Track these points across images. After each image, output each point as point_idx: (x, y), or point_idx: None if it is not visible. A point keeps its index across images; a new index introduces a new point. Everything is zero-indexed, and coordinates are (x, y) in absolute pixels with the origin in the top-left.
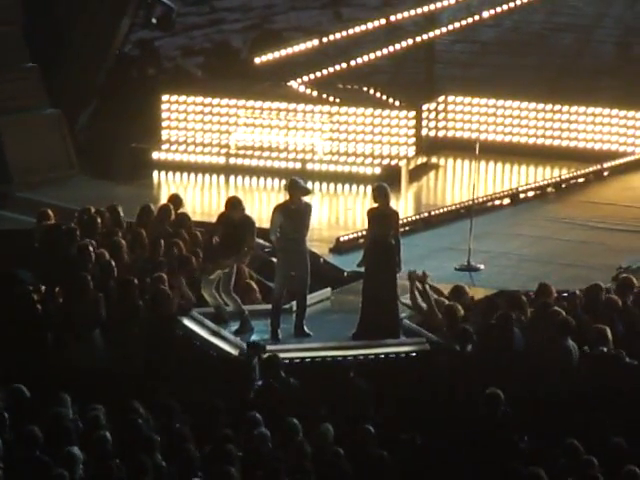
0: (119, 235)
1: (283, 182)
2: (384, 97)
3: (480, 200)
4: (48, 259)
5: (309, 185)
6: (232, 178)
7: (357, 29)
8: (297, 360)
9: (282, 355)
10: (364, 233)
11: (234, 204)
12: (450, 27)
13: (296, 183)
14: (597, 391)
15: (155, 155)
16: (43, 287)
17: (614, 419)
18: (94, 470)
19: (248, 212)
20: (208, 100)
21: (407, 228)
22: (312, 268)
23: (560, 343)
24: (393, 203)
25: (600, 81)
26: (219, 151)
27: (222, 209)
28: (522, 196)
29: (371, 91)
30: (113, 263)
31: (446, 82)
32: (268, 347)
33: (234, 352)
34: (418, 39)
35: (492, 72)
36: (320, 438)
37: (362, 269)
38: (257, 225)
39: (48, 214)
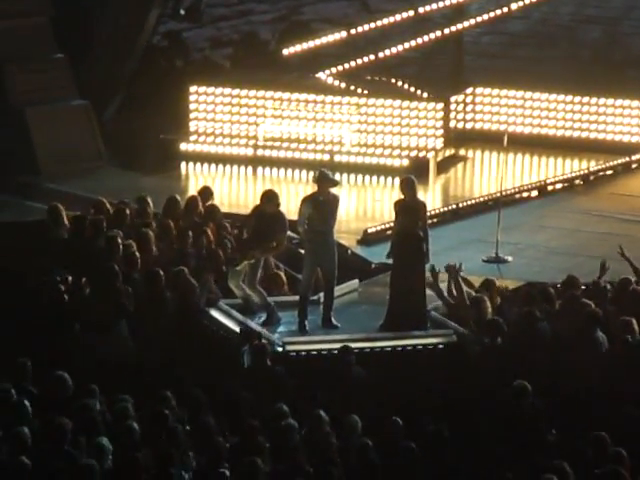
0: (149, 226)
1: (311, 174)
2: (412, 89)
3: (508, 192)
4: (75, 250)
5: (337, 177)
6: (260, 169)
7: (385, 21)
8: (325, 352)
9: (309, 347)
10: (392, 225)
11: (269, 197)
12: (479, 19)
13: (324, 175)
14: (631, 382)
15: (183, 146)
16: (70, 278)
17: None
18: (121, 461)
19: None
20: (236, 91)
21: (435, 220)
22: (339, 260)
23: (589, 335)
24: (421, 195)
25: (628, 73)
26: (247, 142)
27: (250, 200)
28: (550, 188)
29: (399, 83)
30: (138, 255)
31: (474, 74)
32: (297, 339)
33: None
34: (446, 31)
35: (520, 64)
36: (348, 429)
37: (390, 260)
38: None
39: (59, 208)
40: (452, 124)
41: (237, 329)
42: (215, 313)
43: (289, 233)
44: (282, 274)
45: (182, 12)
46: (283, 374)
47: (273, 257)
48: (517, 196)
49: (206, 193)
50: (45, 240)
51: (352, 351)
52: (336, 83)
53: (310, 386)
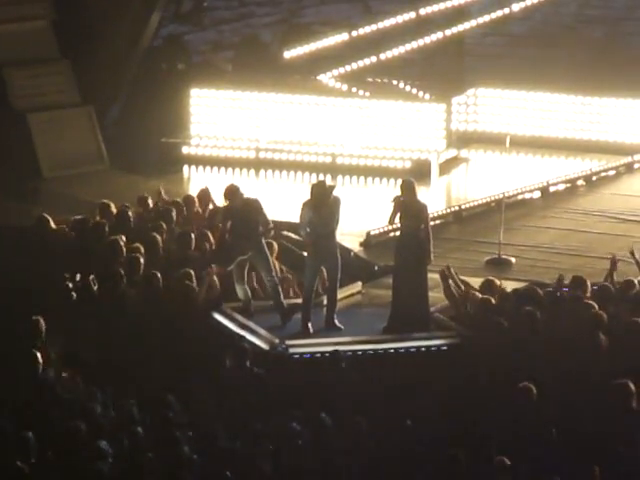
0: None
1: (313, 176)
2: (414, 90)
3: (511, 193)
4: (80, 253)
5: (339, 179)
6: (262, 172)
7: (387, 22)
8: (327, 354)
9: (312, 349)
10: (394, 227)
11: (233, 192)
12: (480, 20)
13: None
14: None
15: (185, 150)
16: (77, 276)
17: None
18: (127, 464)
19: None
20: (237, 94)
21: (437, 222)
22: (342, 262)
23: (592, 338)
24: (423, 196)
25: (631, 73)
26: (249, 145)
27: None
28: (553, 189)
29: (401, 84)
30: (141, 258)
31: (476, 75)
32: (300, 341)
33: (265, 346)
34: (448, 32)
35: (522, 65)
36: (353, 432)
37: (392, 263)
38: (287, 220)
39: (46, 219)
40: (454, 125)
41: (240, 332)
42: (219, 316)
43: (292, 235)
44: (290, 275)
45: (183, 14)
46: (262, 376)
47: (279, 261)
48: (520, 197)
49: (205, 195)
50: (47, 244)
51: (342, 355)
52: (338, 85)
53: (308, 388)
